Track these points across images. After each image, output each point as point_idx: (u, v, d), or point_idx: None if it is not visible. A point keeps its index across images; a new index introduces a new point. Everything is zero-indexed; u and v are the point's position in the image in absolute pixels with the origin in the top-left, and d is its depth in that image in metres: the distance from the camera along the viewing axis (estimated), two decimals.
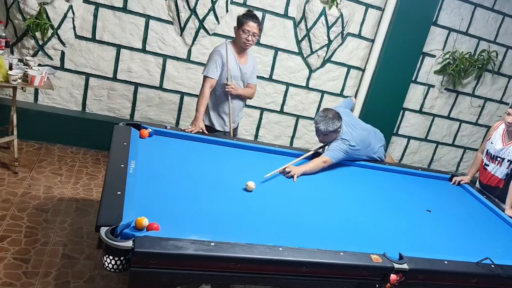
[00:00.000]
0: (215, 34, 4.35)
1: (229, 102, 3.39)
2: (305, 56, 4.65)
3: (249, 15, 3.28)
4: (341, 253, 1.96)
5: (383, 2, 4.61)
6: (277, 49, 4.58)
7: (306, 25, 4.47)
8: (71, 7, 3.89)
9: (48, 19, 3.84)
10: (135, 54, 4.28)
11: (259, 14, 4.37)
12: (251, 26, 3.22)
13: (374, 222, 2.49)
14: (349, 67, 4.84)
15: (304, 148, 4.58)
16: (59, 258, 2.75)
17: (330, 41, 4.57)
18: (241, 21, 3.27)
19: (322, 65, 4.74)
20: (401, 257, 2.05)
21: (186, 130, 3.10)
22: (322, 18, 4.40)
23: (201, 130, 3.18)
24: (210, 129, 3.40)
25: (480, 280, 2.14)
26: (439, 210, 2.88)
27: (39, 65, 3.84)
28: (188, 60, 4.40)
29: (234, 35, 3.35)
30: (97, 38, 4.15)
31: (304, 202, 2.56)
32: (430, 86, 5.13)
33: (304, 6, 4.41)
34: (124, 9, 4.11)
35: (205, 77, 3.30)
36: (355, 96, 4.93)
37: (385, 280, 1.98)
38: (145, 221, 1.79)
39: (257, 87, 4.62)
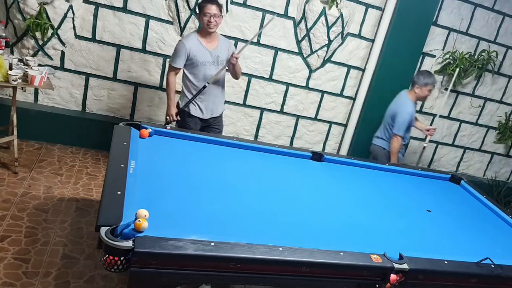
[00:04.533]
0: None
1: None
2: (305, 56, 4.65)
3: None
4: (341, 253, 1.96)
5: (383, 2, 4.61)
6: (277, 49, 4.58)
7: (306, 25, 4.47)
8: (71, 7, 3.89)
9: (48, 19, 3.84)
10: (135, 54, 4.28)
11: (259, 14, 4.38)
12: (210, 8, 3.36)
13: (374, 222, 2.49)
14: (349, 67, 4.84)
15: (304, 148, 4.58)
16: (59, 258, 2.76)
17: (330, 41, 4.57)
18: (200, 6, 3.42)
19: (322, 65, 4.74)
20: (401, 257, 2.05)
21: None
22: (322, 18, 4.40)
23: (176, 119, 3.47)
24: (186, 113, 3.54)
25: (480, 280, 2.14)
26: (439, 210, 2.88)
27: (39, 65, 3.84)
28: None
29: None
30: (97, 38, 4.15)
31: (304, 202, 2.56)
32: None
33: (304, 6, 4.41)
34: (124, 9, 4.12)
35: (170, 66, 3.51)
36: (355, 96, 4.93)
37: (385, 280, 1.98)
38: (144, 225, 1.78)
39: (257, 87, 4.67)
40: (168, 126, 3.07)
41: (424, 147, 4.37)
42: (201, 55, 3.44)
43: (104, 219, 1.78)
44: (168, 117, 3.57)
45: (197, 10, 3.49)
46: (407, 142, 4.18)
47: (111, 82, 4.33)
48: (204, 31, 3.45)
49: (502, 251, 2.47)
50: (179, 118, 3.51)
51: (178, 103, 3.61)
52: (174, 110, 3.53)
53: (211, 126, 3.67)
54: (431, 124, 5.32)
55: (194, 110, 3.56)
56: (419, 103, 4.45)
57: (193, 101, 3.52)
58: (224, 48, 3.56)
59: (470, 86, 5.24)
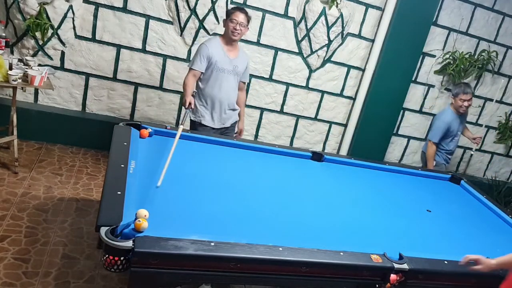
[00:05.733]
0: (215, 34, 4.34)
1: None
2: (305, 56, 4.65)
3: (237, 7, 3.40)
4: (341, 253, 1.96)
5: (383, 2, 4.61)
6: (277, 49, 4.58)
7: (306, 25, 4.47)
8: (71, 7, 3.89)
9: (48, 19, 3.84)
10: (135, 54, 4.28)
11: (259, 14, 4.38)
12: (238, 15, 3.33)
13: (374, 222, 2.49)
14: (349, 67, 4.84)
15: (304, 148, 4.58)
16: (59, 258, 2.75)
17: (330, 41, 4.57)
18: (229, 12, 3.40)
19: (322, 65, 4.74)
20: (401, 257, 2.06)
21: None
22: (322, 18, 4.40)
23: (191, 107, 3.30)
24: (197, 123, 3.47)
25: (480, 280, 2.14)
26: (439, 210, 2.88)
27: (39, 65, 3.84)
28: (188, 60, 4.39)
29: None
30: (97, 38, 4.15)
31: (304, 202, 2.56)
32: (430, 86, 5.13)
33: (304, 6, 4.41)
34: (124, 9, 4.12)
35: (190, 69, 3.41)
36: (355, 96, 4.93)
37: (385, 280, 1.98)
38: (144, 225, 1.78)
39: (257, 87, 4.67)
40: (168, 126, 3.07)
41: (471, 155, 4.73)
42: (222, 61, 3.39)
43: (104, 219, 1.78)
44: (188, 104, 3.31)
45: (225, 16, 3.42)
46: (452, 150, 4.26)
47: (111, 82, 4.33)
48: (227, 38, 3.41)
49: (502, 251, 2.47)
50: (192, 106, 3.33)
51: (189, 114, 3.48)
52: (188, 99, 3.29)
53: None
54: (431, 124, 5.33)
55: (204, 120, 3.48)
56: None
57: (204, 110, 3.45)
58: (243, 60, 3.55)
59: None
